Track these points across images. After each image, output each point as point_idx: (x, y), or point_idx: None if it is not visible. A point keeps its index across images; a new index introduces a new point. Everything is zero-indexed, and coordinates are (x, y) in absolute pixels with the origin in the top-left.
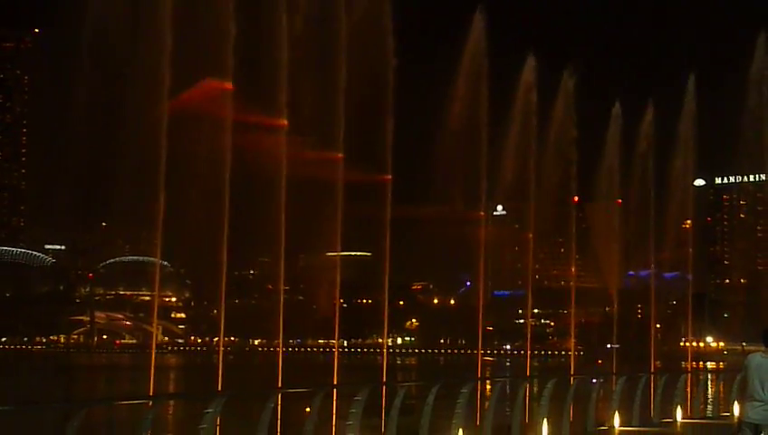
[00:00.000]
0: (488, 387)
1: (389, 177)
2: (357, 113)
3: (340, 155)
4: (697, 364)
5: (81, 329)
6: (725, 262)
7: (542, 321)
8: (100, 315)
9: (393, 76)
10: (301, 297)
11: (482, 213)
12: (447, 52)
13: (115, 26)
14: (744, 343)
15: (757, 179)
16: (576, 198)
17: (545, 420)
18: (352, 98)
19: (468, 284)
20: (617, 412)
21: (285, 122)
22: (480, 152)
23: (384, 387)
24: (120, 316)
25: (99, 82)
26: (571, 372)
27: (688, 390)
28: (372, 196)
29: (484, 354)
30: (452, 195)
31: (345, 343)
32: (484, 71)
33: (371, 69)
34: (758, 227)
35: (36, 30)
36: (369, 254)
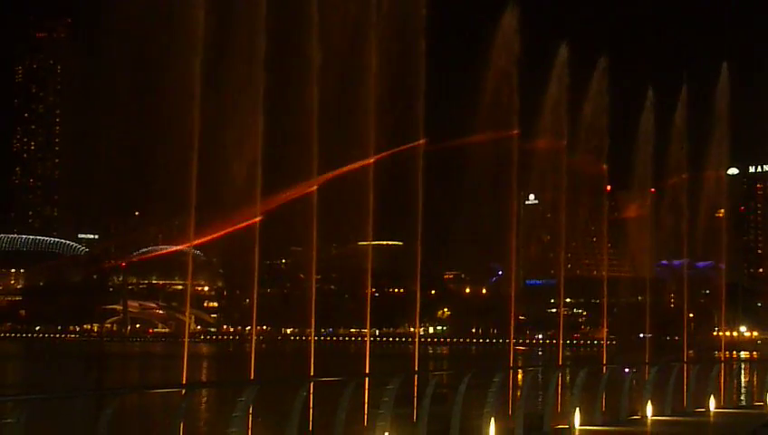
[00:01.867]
0: (520, 376)
1: (423, 141)
2: (387, 94)
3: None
4: (731, 354)
5: (115, 318)
6: (759, 251)
7: (575, 310)
8: (133, 304)
9: (425, 55)
10: (333, 286)
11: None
12: (480, 38)
13: (148, 14)
14: None
15: None
16: (609, 187)
17: (577, 409)
18: (382, 77)
19: (500, 273)
20: (650, 402)
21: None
22: (511, 141)
23: (416, 376)
24: (153, 305)
25: (131, 71)
26: (604, 362)
27: (721, 379)
28: (404, 180)
29: (516, 344)
30: (483, 185)
31: (377, 332)
32: (514, 58)
33: (402, 51)
34: None
35: (69, 20)
36: (400, 243)
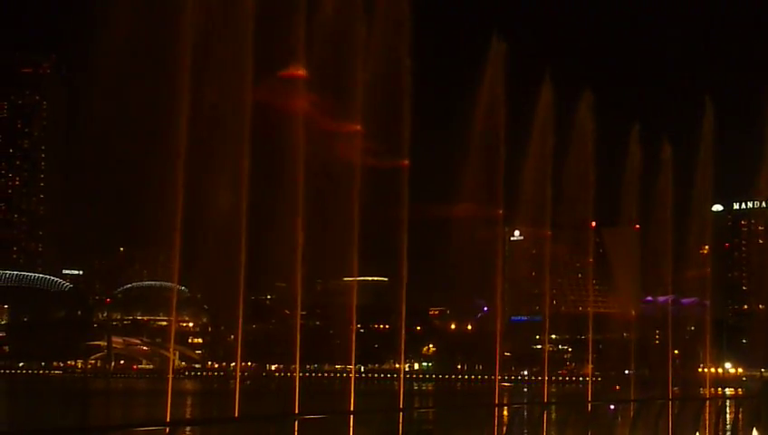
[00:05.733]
0: (506, 413)
1: (407, 162)
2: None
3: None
4: (716, 391)
5: (99, 354)
6: (743, 287)
7: (560, 347)
8: (117, 340)
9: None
10: (318, 322)
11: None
12: (464, 75)
13: (133, 50)
14: (762, 370)
15: None
16: (594, 224)
17: None
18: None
19: (485, 309)
20: None
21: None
22: (497, 177)
23: (401, 413)
24: (138, 341)
25: (116, 107)
26: (589, 399)
27: (707, 416)
28: (389, 216)
29: (502, 380)
30: (469, 219)
31: (362, 369)
32: (501, 95)
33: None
34: None
35: (54, 55)
36: (385, 279)
